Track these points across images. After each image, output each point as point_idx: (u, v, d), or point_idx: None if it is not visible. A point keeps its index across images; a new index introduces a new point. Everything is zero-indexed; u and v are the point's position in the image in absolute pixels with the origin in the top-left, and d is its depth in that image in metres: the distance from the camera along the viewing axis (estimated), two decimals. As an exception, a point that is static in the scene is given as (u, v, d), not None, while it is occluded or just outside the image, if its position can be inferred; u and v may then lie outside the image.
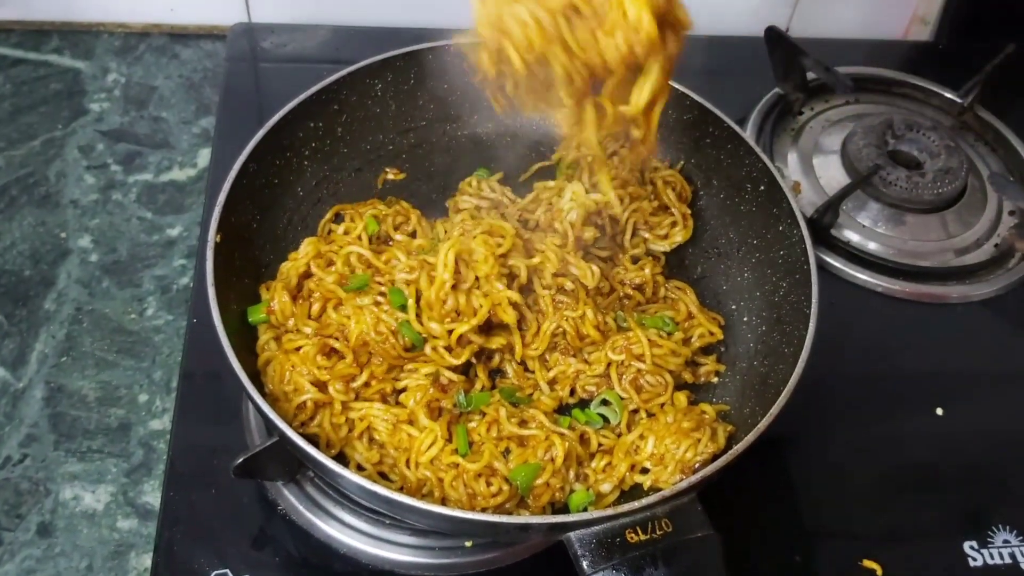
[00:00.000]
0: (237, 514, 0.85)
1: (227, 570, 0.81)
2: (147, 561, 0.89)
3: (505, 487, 0.77)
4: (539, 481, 0.77)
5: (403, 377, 0.83)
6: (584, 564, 0.67)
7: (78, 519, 0.91)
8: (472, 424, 0.81)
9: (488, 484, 0.77)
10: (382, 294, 0.85)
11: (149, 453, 0.96)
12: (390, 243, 0.94)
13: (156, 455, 0.95)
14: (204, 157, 1.21)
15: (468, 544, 0.83)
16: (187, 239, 1.13)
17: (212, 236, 0.78)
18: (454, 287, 0.83)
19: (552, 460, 0.78)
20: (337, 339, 0.82)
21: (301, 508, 0.84)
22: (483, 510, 0.76)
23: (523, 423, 0.80)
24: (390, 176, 1.03)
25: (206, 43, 1.35)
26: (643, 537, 0.68)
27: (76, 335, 1.04)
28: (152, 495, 0.93)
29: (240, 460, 0.75)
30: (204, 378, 0.93)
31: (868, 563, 0.88)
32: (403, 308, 0.83)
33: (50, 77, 1.28)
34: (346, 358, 0.81)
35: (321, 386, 0.80)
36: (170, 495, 0.86)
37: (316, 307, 0.84)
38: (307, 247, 0.88)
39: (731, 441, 0.80)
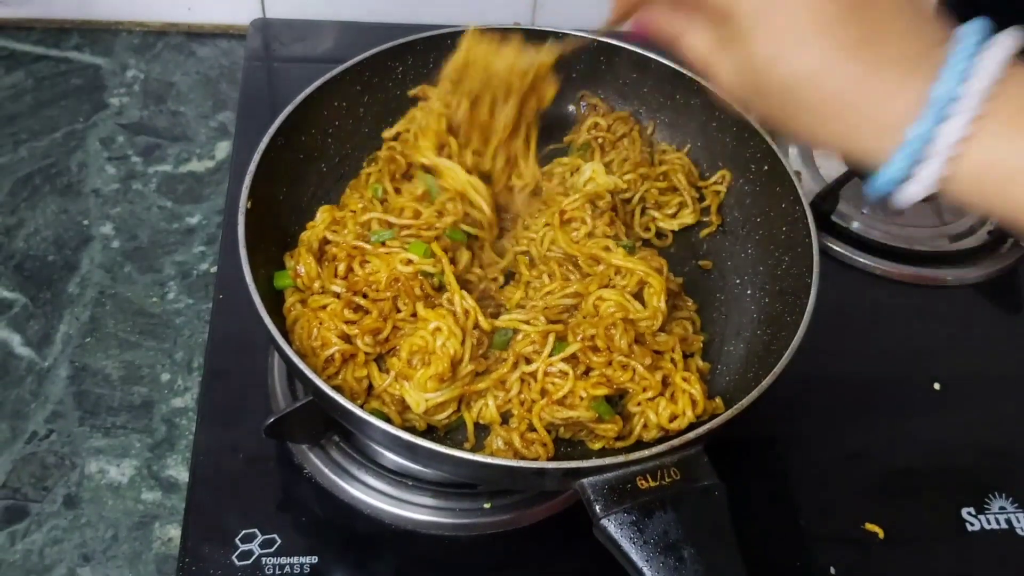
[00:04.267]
0: (264, 478, 0.88)
1: (255, 529, 0.84)
2: (171, 531, 0.91)
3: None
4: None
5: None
6: (597, 508, 0.70)
7: (103, 491, 0.93)
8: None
9: None
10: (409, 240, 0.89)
11: (172, 429, 0.98)
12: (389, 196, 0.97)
13: (178, 431, 0.98)
14: (221, 150, 1.25)
15: (487, 505, 0.86)
16: (206, 227, 1.16)
17: (243, 202, 0.81)
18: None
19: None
20: (365, 296, 0.85)
21: (326, 471, 0.87)
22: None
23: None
24: (409, 156, 1.06)
25: (222, 41, 1.39)
26: (653, 484, 0.71)
27: (99, 317, 1.06)
28: (175, 469, 0.95)
29: (271, 420, 0.79)
30: (230, 352, 0.97)
31: (870, 527, 0.91)
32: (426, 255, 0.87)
33: (71, 73, 1.32)
34: (372, 313, 0.84)
35: (347, 340, 0.83)
36: (199, 460, 0.88)
37: (342, 267, 0.87)
38: (323, 214, 0.91)
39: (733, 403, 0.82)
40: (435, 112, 0.95)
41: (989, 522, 0.93)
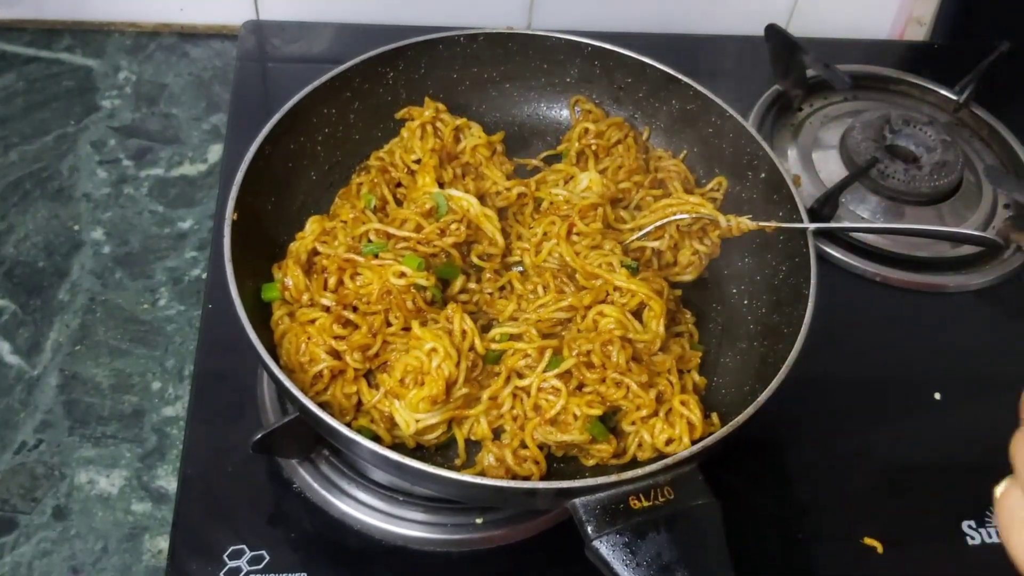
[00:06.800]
0: (252, 492, 0.87)
1: (243, 545, 0.83)
2: (161, 543, 0.90)
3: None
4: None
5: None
6: (589, 529, 0.69)
7: (93, 502, 0.93)
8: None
9: None
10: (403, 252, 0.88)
11: (163, 439, 0.97)
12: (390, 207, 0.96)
13: (169, 441, 0.97)
14: (214, 153, 1.24)
15: (479, 521, 0.84)
16: (198, 232, 1.15)
17: (229, 214, 0.80)
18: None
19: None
20: (355, 309, 0.84)
21: (316, 486, 0.86)
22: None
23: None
24: (400, 163, 1.04)
25: (215, 42, 1.37)
26: (646, 504, 0.70)
27: (90, 324, 1.05)
28: (166, 479, 0.94)
29: (259, 436, 0.77)
30: (219, 362, 0.95)
31: (869, 541, 0.90)
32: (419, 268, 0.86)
33: (62, 75, 1.30)
34: (361, 328, 0.83)
35: (336, 355, 0.82)
36: (187, 473, 0.87)
37: (332, 280, 0.85)
38: (312, 225, 0.90)
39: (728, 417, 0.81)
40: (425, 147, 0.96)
41: (990, 535, 0.91)
